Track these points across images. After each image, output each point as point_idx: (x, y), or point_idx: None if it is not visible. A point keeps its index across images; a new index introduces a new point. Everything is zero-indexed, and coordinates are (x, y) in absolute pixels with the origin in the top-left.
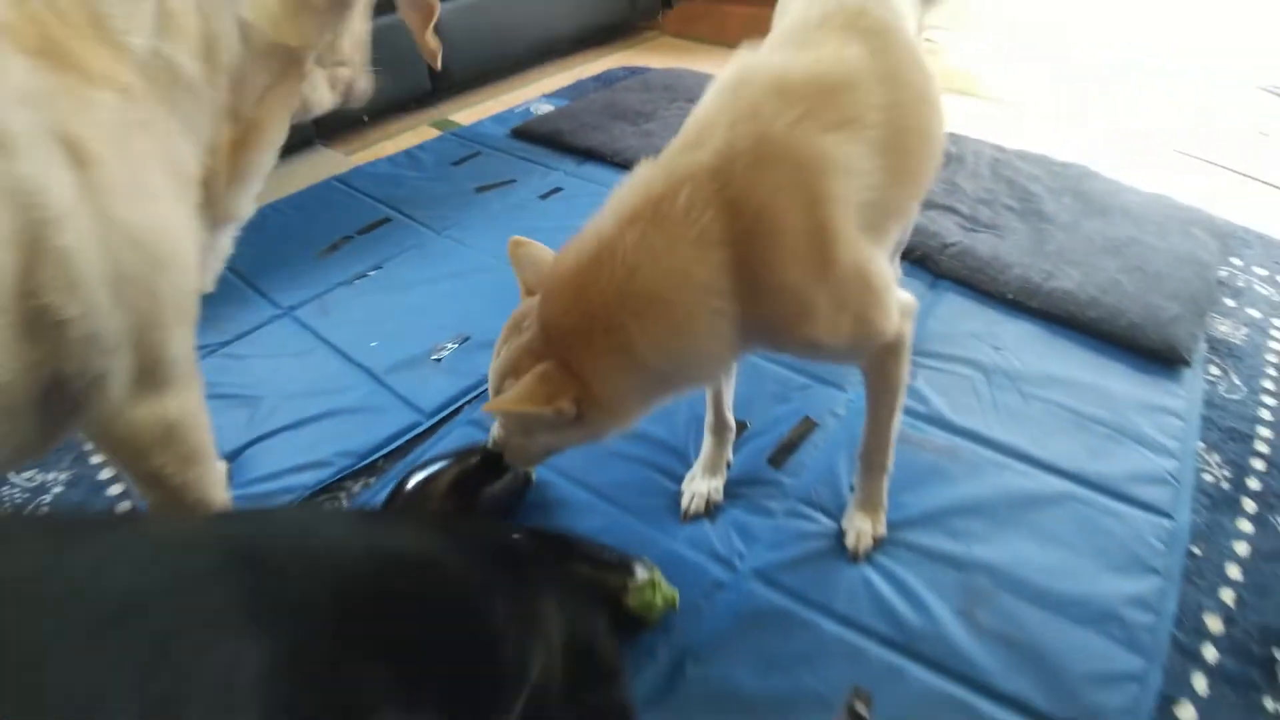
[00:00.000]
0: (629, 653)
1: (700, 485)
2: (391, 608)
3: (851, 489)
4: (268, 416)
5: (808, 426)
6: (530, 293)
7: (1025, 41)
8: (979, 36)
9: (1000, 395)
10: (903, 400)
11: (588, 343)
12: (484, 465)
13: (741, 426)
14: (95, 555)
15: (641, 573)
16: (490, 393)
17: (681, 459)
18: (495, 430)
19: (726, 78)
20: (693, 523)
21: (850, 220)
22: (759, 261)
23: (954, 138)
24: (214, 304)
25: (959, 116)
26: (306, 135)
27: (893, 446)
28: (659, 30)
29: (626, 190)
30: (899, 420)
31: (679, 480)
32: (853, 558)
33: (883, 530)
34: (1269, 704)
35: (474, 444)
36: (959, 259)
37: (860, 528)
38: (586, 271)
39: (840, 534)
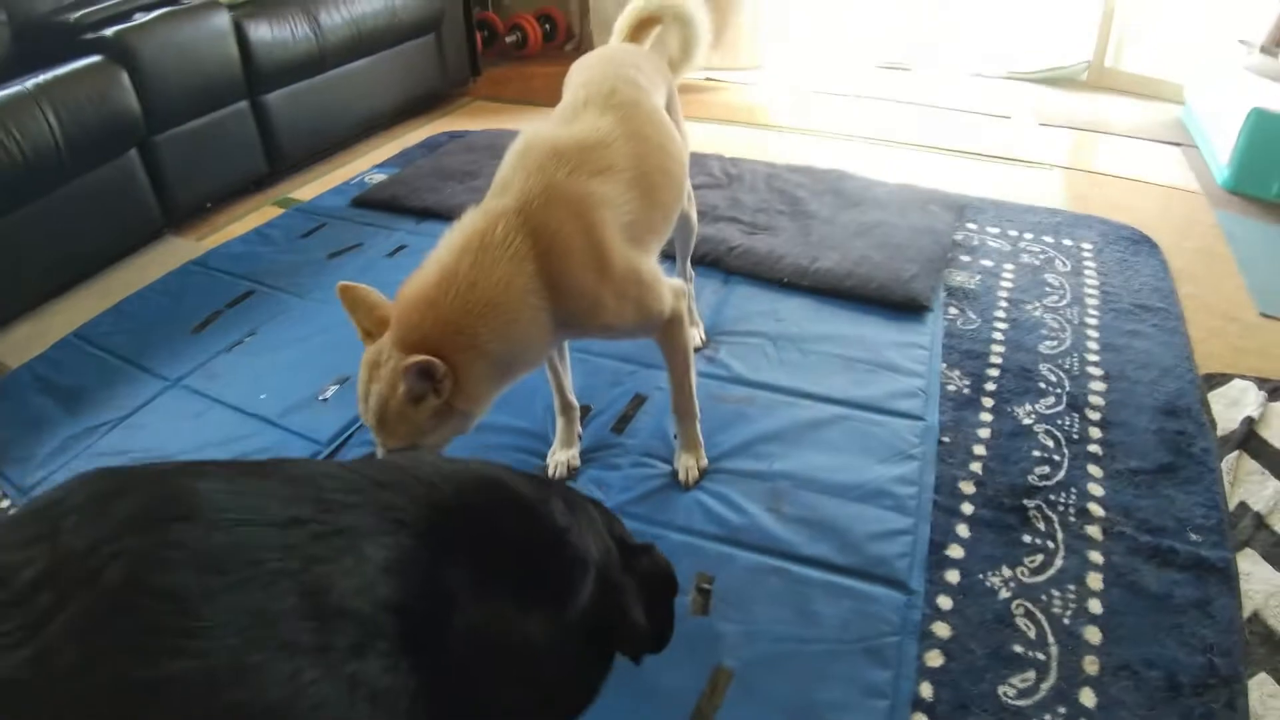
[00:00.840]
0: None
1: (560, 455)
2: (468, 519)
3: (675, 438)
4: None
5: (639, 401)
6: (368, 334)
7: (794, 71)
8: (758, 75)
9: (785, 354)
10: (692, 360)
11: (445, 345)
12: None
13: (587, 409)
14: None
15: None
16: (373, 427)
17: (543, 440)
18: (380, 452)
19: (518, 146)
20: None
21: (617, 237)
22: (557, 271)
23: (735, 161)
24: (103, 386)
25: (742, 144)
26: (156, 226)
27: (694, 397)
28: (470, 96)
29: (456, 230)
30: (694, 376)
31: (543, 457)
32: (684, 487)
33: (704, 462)
34: (1025, 538)
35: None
36: (743, 257)
37: (686, 464)
38: (434, 291)
39: (674, 473)
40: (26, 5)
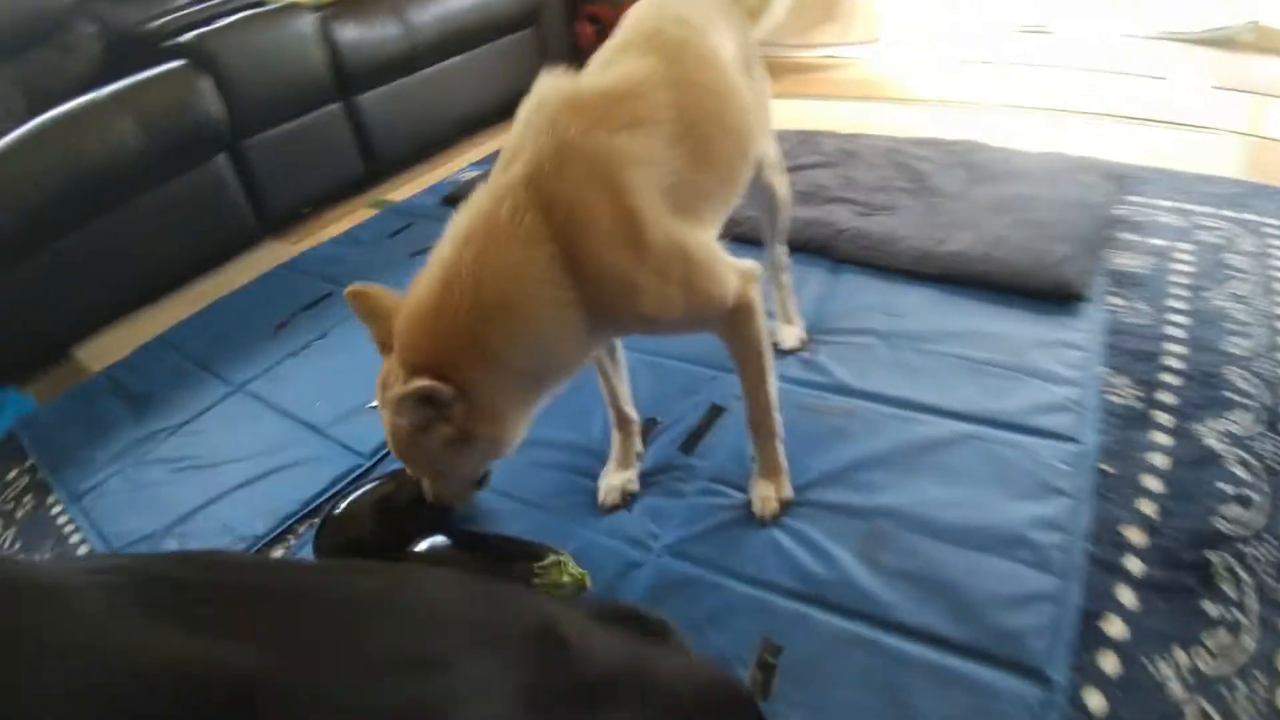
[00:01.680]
0: None
1: (614, 479)
2: None
3: (752, 460)
4: (225, 479)
5: (715, 413)
6: (384, 345)
7: (917, 40)
8: (877, 48)
9: (900, 356)
10: (769, 362)
11: (452, 362)
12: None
13: (653, 423)
14: None
15: (547, 556)
16: (399, 456)
17: (599, 459)
18: (425, 485)
19: (528, 104)
20: (611, 514)
21: (654, 202)
22: (580, 251)
23: (851, 137)
24: (172, 391)
25: (859, 119)
26: (252, 232)
27: (774, 408)
28: None
29: (460, 215)
30: (773, 381)
31: (596, 479)
32: (759, 522)
33: (788, 493)
34: (1208, 607)
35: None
36: (854, 241)
37: (764, 494)
38: (437, 296)
39: (749, 504)
40: (117, 17)
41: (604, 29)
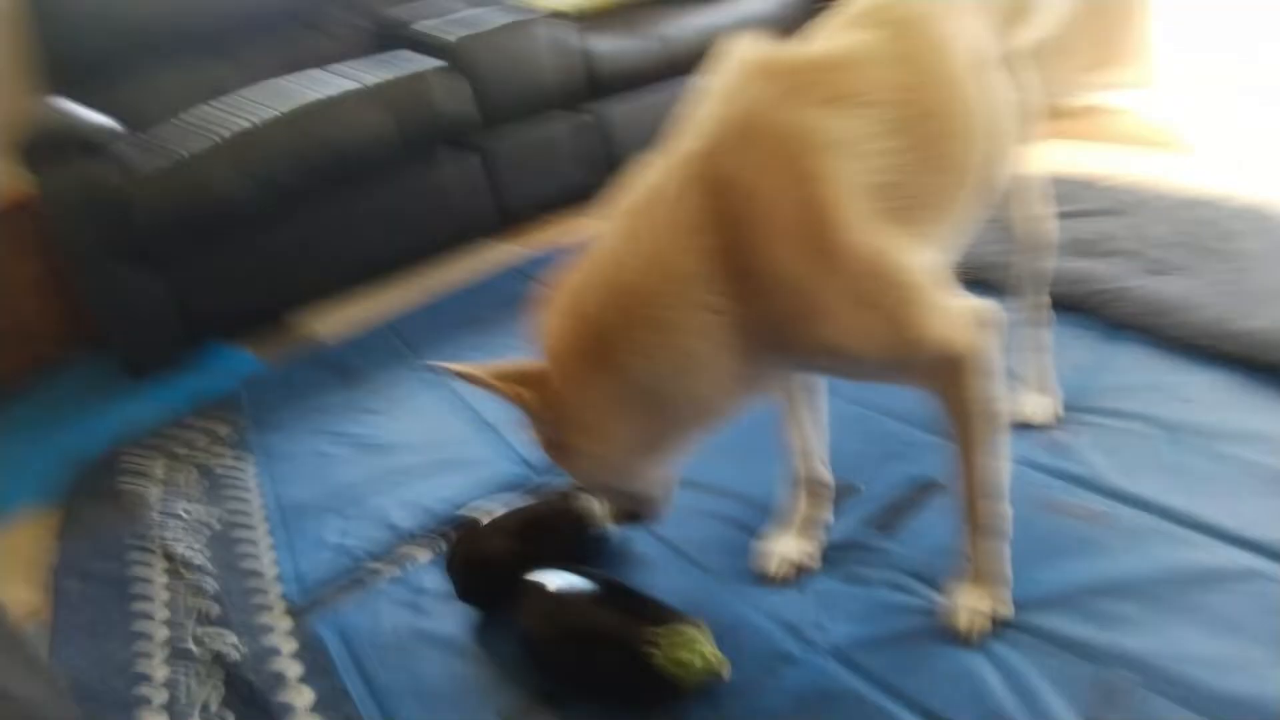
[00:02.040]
0: None
1: (786, 547)
2: None
3: (965, 558)
4: (395, 463)
5: (928, 489)
6: None
7: (1227, 95)
8: (1176, 92)
9: (1185, 456)
10: (999, 436)
11: (574, 352)
12: (558, 511)
13: (850, 489)
14: None
15: (681, 628)
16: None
17: (766, 514)
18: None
19: (723, 68)
20: (776, 590)
21: (857, 202)
22: (749, 247)
23: (1133, 187)
24: (382, 370)
25: (1142, 171)
26: (489, 229)
27: (1000, 499)
28: None
29: (628, 187)
30: (1001, 465)
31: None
32: (961, 639)
33: (1003, 609)
34: None
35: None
36: (1137, 303)
37: (971, 604)
38: (582, 275)
39: (949, 615)
40: (384, 9)
41: None
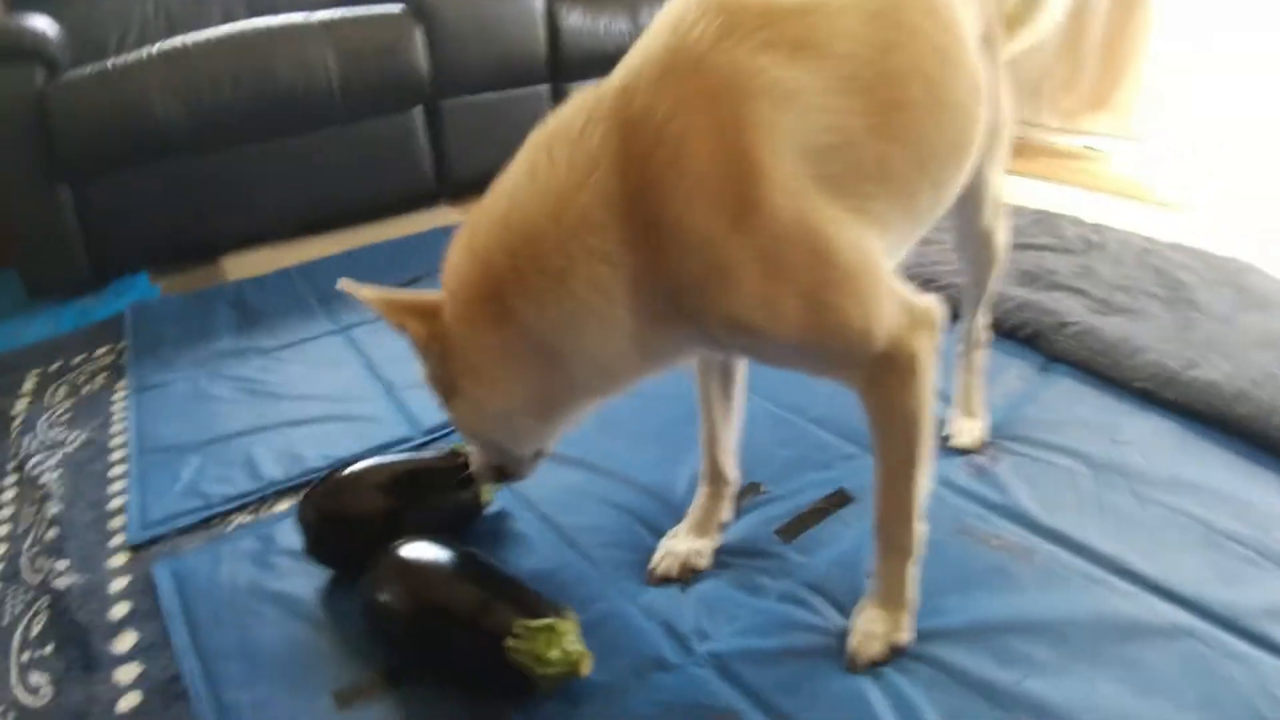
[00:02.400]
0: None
1: (679, 544)
2: None
3: (867, 577)
4: (280, 413)
5: (839, 500)
6: None
7: (1199, 146)
8: (1148, 142)
9: (1109, 495)
10: (925, 450)
11: (467, 290)
12: (436, 472)
13: (754, 488)
14: None
15: (549, 622)
16: None
17: (675, 516)
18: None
19: (667, 4)
20: (661, 587)
21: (790, 160)
22: (656, 194)
23: (1098, 227)
24: (283, 315)
25: (1109, 217)
26: (429, 193)
27: (917, 518)
28: None
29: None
30: (923, 481)
31: (660, 537)
32: (849, 665)
33: (904, 636)
34: None
35: (442, 451)
36: (1079, 339)
37: (868, 627)
38: (482, 211)
39: (844, 634)
40: None
41: None
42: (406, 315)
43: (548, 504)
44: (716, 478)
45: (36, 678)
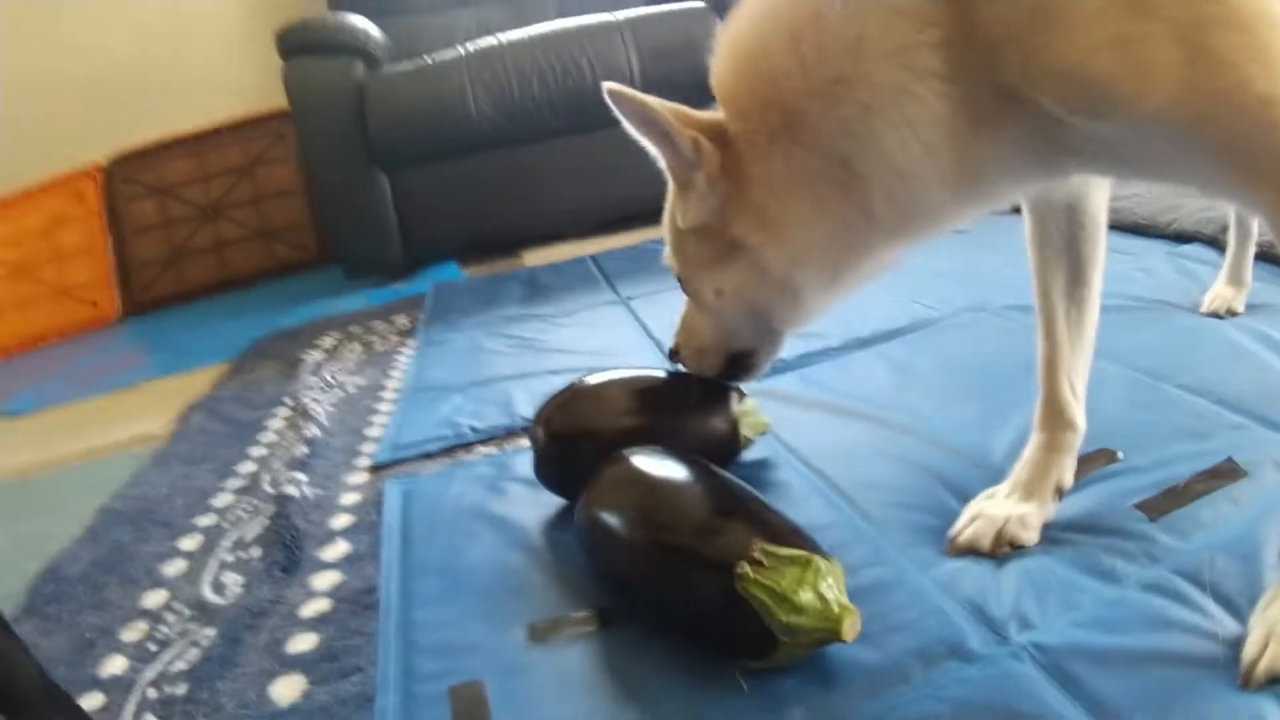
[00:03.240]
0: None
1: (996, 507)
2: None
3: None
4: (545, 364)
5: (1227, 473)
6: None
7: None
8: None
9: None
10: None
11: (750, 99)
12: (690, 389)
13: (1107, 455)
14: None
15: (807, 556)
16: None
17: (990, 480)
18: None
19: None
20: (963, 558)
21: None
22: None
23: None
24: (570, 290)
25: None
26: None
27: None
28: None
29: None
30: None
31: (966, 500)
32: (1243, 680)
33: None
34: None
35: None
36: None
37: (1275, 630)
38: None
39: (1238, 641)
40: None
41: None
42: (699, 130)
43: (822, 457)
44: (1056, 420)
45: (230, 577)
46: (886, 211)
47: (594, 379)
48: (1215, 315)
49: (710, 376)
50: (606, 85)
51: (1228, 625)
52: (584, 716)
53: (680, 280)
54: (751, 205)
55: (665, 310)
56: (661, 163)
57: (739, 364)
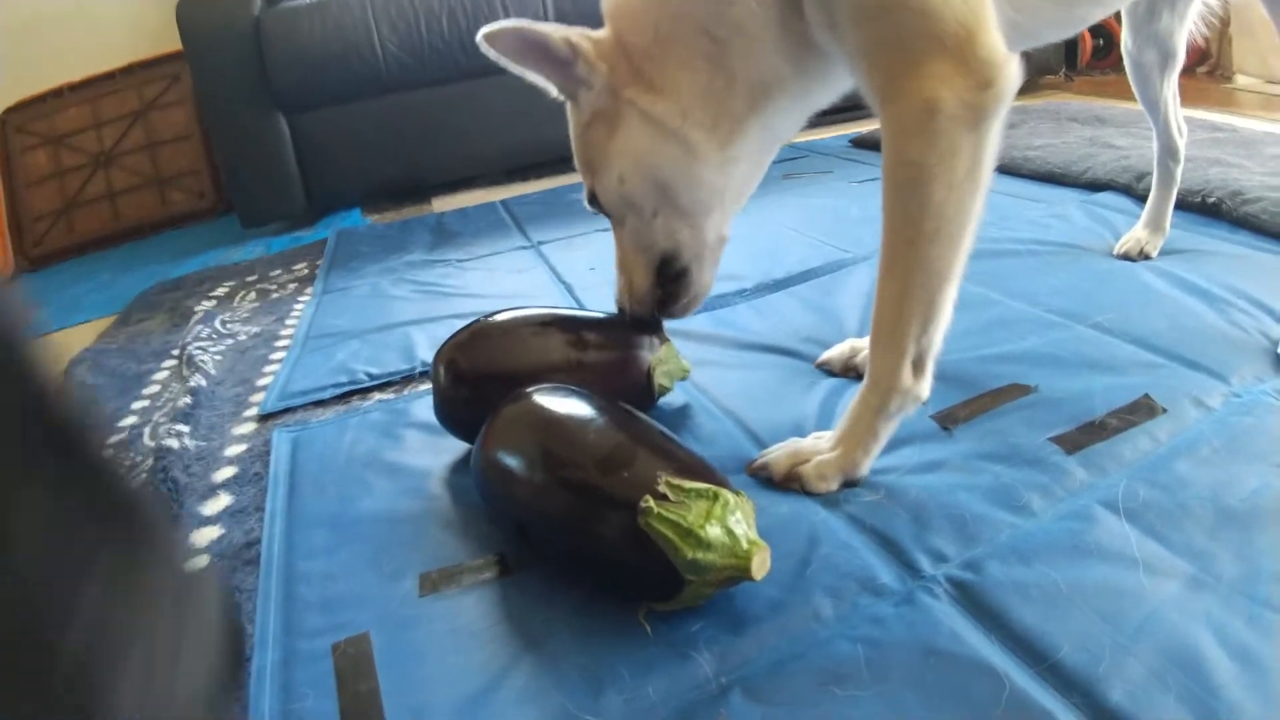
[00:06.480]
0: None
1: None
2: None
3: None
4: (450, 308)
5: (1144, 409)
6: None
7: None
8: None
9: None
10: (965, 214)
11: None
12: (600, 326)
13: (1022, 389)
14: None
15: (715, 490)
16: None
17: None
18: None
19: None
20: (874, 493)
21: None
22: None
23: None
24: (479, 235)
25: None
26: None
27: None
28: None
29: None
30: (951, 257)
31: None
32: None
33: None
34: None
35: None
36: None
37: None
38: None
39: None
40: None
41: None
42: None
43: (734, 397)
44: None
45: None
46: (743, 71)
47: (499, 316)
48: (1128, 258)
49: (648, 310)
50: (480, 34)
51: (1153, 554)
52: (477, 667)
53: (594, 199)
54: (635, 72)
55: (578, 255)
56: (553, 90)
57: (673, 286)
